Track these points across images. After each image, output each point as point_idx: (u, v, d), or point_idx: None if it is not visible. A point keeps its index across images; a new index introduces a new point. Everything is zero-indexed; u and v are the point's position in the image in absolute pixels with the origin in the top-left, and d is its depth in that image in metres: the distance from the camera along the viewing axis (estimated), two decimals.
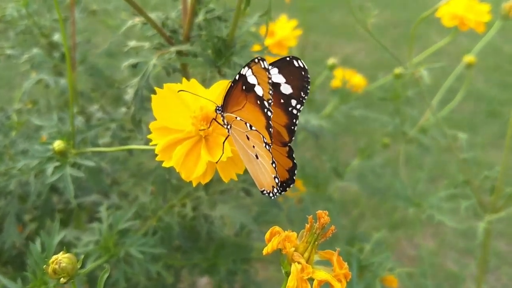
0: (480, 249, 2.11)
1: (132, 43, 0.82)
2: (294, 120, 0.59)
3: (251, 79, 0.54)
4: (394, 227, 2.26)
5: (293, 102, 0.59)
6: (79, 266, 0.60)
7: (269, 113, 0.54)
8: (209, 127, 0.60)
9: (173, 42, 0.83)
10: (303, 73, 0.59)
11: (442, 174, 2.44)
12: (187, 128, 0.60)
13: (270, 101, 0.54)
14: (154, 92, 0.62)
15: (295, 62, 0.58)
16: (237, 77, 0.56)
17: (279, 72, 0.58)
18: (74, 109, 1.03)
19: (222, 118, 0.59)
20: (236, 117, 0.57)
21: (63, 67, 1.15)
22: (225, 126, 0.59)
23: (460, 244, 2.22)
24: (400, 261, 2.09)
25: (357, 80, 1.57)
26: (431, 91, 1.45)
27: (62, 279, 0.59)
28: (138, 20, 0.84)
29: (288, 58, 0.59)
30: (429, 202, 1.24)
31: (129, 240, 0.87)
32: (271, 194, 0.59)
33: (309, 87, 0.59)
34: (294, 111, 0.59)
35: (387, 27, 3.67)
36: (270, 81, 0.54)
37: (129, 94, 0.78)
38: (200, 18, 0.84)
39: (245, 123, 0.56)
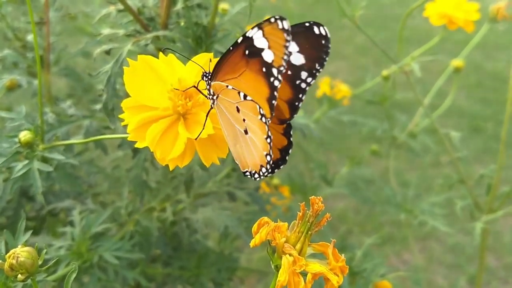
0: (470, 264, 2.08)
1: (106, 31, 0.77)
2: (301, 95, 0.53)
3: (260, 42, 0.47)
4: (382, 243, 2.21)
5: (303, 74, 0.52)
6: (40, 262, 0.53)
7: (276, 83, 0.48)
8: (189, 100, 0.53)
9: (150, 29, 0.78)
10: (323, 41, 0.52)
11: (428, 189, 2.42)
12: (164, 104, 0.53)
13: (282, 68, 0.47)
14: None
15: (315, 29, 0.51)
16: (239, 40, 0.49)
17: (292, 39, 0.49)
18: (47, 109, 0.96)
19: (208, 87, 0.53)
20: (227, 86, 0.51)
21: (37, 69, 1.09)
22: (210, 97, 0.53)
23: (448, 259, 2.19)
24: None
25: (343, 89, 1.54)
26: (412, 107, 1.43)
27: (19, 275, 0.51)
28: (113, 7, 0.79)
29: (307, 24, 0.51)
30: (420, 208, 1.19)
31: (103, 245, 0.80)
32: (256, 175, 0.53)
33: (327, 58, 0.52)
34: (303, 85, 0.53)
35: (369, 47, 3.68)
36: (287, 44, 0.46)
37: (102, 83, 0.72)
38: (179, 6, 0.79)
39: (238, 93, 0.50)
